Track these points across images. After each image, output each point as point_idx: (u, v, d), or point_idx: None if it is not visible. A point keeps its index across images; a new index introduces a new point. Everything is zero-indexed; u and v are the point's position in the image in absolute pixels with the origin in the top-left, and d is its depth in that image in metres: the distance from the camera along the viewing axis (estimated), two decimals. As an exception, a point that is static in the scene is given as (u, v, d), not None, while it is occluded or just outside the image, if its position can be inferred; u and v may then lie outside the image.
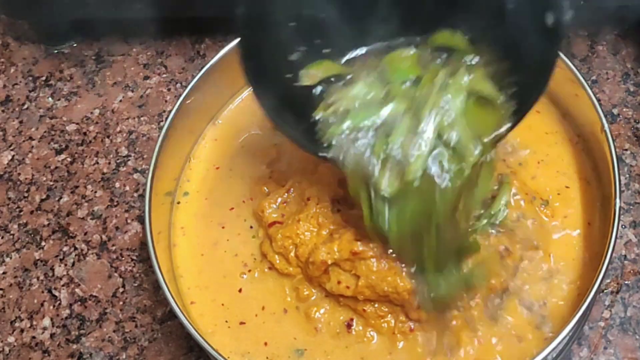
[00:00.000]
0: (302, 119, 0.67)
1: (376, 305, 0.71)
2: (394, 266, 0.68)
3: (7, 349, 0.82)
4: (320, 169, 0.76)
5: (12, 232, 0.89)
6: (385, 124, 0.64)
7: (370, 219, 0.66)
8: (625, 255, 0.81)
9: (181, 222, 0.80)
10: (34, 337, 0.83)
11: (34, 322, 0.83)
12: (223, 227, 0.79)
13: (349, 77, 0.68)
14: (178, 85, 0.97)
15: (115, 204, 0.89)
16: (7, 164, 0.94)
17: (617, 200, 0.68)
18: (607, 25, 0.95)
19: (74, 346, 0.82)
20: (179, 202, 0.81)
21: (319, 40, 0.68)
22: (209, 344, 0.66)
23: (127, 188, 0.90)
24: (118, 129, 0.94)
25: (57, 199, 0.90)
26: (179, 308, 0.68)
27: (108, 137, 0.94)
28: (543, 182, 0.76)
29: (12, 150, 0.94)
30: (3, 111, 0.97)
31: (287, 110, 0.67)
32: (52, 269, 0.86)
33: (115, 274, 0.85)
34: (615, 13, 0.91)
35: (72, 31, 1.01)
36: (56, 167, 0.93)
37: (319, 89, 0.68)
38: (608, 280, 0.80)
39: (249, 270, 0.76)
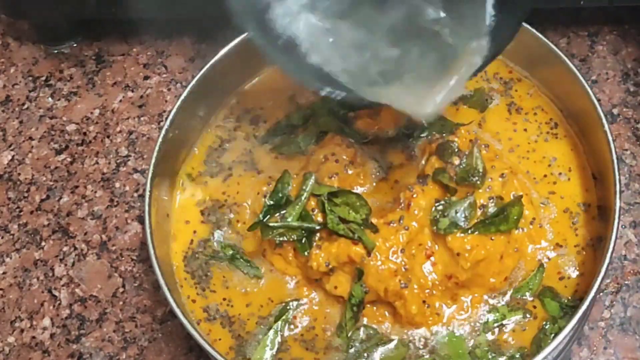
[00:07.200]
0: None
1: (375, 309, 0.71)
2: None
3: (7, 349, 0.82)
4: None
5: (12, 232, 0.89)
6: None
7: None
8: (625, 255, 0.81)
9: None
10: (34, 337, 0.83)
11: (34, 322, 0.83)
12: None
13: None
14: (178, 85, 0.97)
15: (115, 204, 0.89)
16: (7, 164, 0.94)
17: (617, 200, 0.68)
18: (607, 25, 0.95)
19: (74, 346, 0.82)
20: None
21: None
22: (209, 344, 0.66)
23: (127, 188, 0.90)
24: (118, 129, 0.94)
25: (57, 199, 0.90)
26: (179, 308, 0.68)
27: (108, 137, 0.94)
28: (542, 182, 0.76)
29: (12, 150, 0.94)
30: (3, 111, 0.97)
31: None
32: (52, 269, 0.86)
33: (115, 274, 0.85)
34: (615, 13, 0.91)
35: (72, 31, 1.01)
36: (56, 167, 0.93)
37: None
38: (608, 280, 0.80)
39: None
